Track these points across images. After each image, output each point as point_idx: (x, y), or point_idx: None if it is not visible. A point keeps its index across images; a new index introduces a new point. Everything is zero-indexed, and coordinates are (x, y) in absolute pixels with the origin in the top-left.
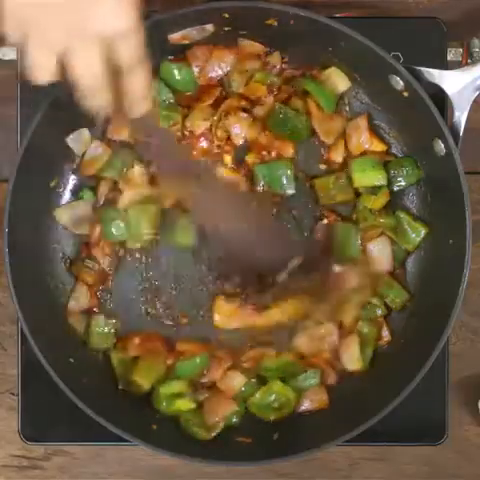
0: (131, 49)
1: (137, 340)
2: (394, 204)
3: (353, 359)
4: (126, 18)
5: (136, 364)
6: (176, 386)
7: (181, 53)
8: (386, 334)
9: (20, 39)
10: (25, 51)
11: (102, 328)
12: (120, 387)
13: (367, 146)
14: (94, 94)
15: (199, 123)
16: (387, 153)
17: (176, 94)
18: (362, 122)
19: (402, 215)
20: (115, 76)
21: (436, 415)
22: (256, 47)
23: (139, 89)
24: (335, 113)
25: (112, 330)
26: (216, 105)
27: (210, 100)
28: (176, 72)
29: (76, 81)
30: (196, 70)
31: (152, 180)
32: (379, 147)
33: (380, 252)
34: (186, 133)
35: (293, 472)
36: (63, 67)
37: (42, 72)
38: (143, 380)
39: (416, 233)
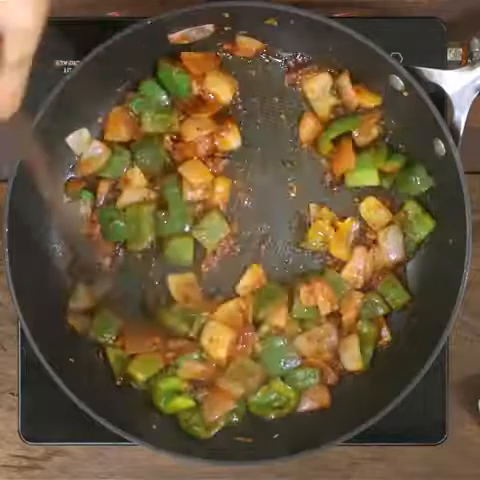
0: (24, 46)
1: (135, 338)
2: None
3: (353, 359)
4: (33, 13)
5: (132, 358)
6: (175, 382)
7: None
8: (386, 334)
9: None
10: None
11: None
12: (117, 383)
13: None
14: None
15: (192, 132)
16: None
17: (173, 97)
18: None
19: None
20: None
21: (436, 415)
22: (254, 44)
23: (12, 89)
24: None
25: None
26: (215, 118)
27: (208, 113)
28: (173, 74)
29: None
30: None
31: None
32: (371, 101)
33: (393, 240)
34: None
35: (293, 472)
36: None
37: None
38: (138, 373)
39: (425, 226)
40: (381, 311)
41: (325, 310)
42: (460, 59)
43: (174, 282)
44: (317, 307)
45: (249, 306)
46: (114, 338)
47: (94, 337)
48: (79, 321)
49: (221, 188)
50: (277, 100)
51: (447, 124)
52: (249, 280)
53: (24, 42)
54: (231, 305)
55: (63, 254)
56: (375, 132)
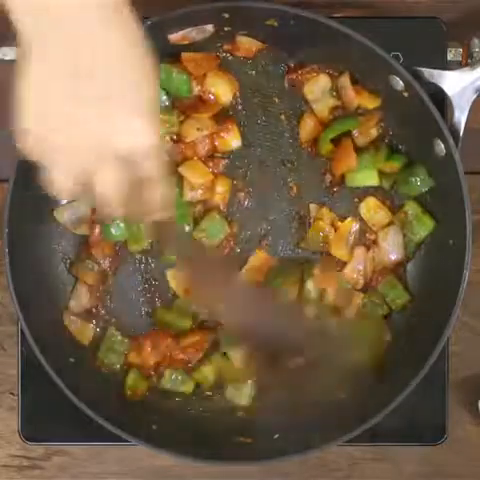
0: (154, 164)
1: (148, 346)
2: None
3: None
4: (151, 135)
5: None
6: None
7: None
8: (386, 334)
9: (39, 158)
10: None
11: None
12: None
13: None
14: (115, 207)
15: (192, 132)
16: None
17: (172, 97)
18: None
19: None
20: (135, 185)
21: (436, 415)
22: (254, 44)
23: (161, 199)
24: None
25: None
26: (215, 119)
27: (209, 113)
28: (173, 75)
29: (98, 196)
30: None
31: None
32: (371, 102)
33: (393, 240)
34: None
35: (293, 472)
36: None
37: (62, 192)
38: (183, 387)
39: (425, 226)
40: (381, 312)
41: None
42: (460, 59)
43: (173, 276)
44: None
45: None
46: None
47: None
48: (77, 326)
49: (221, 188)
50: (277, 100)
51: (447, 124)
52: (255, 262)
53: (155, 159)
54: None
55: (63, 254)
56: (375, 132)
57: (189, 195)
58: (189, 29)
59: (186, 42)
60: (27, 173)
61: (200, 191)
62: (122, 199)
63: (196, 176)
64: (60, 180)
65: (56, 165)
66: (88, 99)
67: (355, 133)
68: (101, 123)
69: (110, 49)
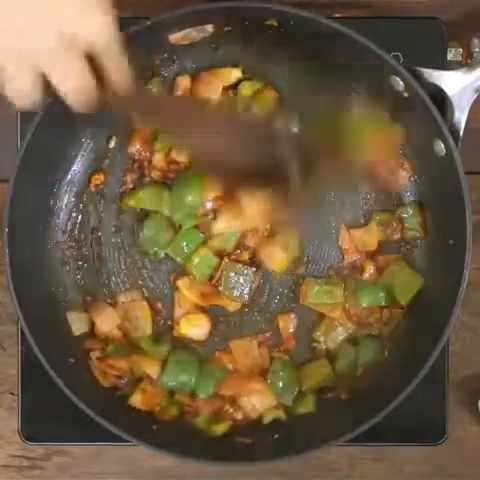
0: (110, 47)
1: None
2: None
3: None
4: (103, 16)
5: None
6: None
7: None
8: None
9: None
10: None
11: None
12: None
13: None
14: (79, 95)
15: None
16: None
17: None
18: None
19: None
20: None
21: (436, 415)
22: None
23: (121, 74)
24: None
25: None
26: None
27: None
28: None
29: (59, 88)
30: None
31: None
32: None
33: None
34: None
35: (293, 472)
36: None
37: (28, 98)
38: None
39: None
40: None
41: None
42: (460, 59)
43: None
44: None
45: None
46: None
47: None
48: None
49: None
50: None
51: (447, 124)
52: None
53: (108, 40)
54: None
55: (63, 254)
56: None
57: None
58: (189, 29)
59: (186, 42)
60: (27, 173)
61: None
62: (88, 84)
63: None
64: (19, 81)
65: (12, 69)
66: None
67: None
68: (50, 20)
69: None
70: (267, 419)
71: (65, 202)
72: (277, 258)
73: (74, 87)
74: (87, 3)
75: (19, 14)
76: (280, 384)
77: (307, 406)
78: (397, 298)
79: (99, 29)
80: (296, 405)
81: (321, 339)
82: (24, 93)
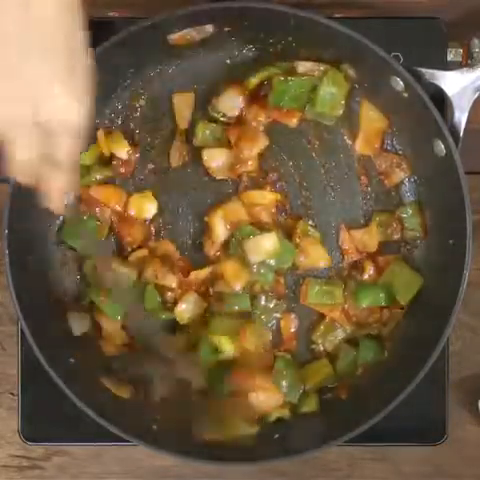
0: (70, 145)
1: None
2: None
3: None
4: (71, 105)
5: None
6: None
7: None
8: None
9: None
10: None
11: None
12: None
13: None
14: (21, 171)
15: None
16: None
17: None
18: None
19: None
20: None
21: (436, 415)
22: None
23: (60, 187)
24: None
25: None
26: None
27: None
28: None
29: (10, 158)
30: None
31: None
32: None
33: None
34: None
35: (293, 472)
36: None
37: None
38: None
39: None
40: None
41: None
42: (460, 59)
43: None
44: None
45: None
46: None
47: None
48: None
49: None
50: None
51: (447, 125)
52: None
53: (72, 140)
54: None
55: (63, 254)
56: None
57: None
58: (189, 29)
59: (186, 42)
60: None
61: None
62: (30, 166)
63: None
64: None
65: None
66: (8, 66)
67: None
68: (23, 88)
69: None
70: (272, 417)
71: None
72: None
73: (25, 162)
74: (66, 87)
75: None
76: (284, 383)
77: (310, 405)
78: (397, 298)
79: (70, 114)
80: (300, 404)
81: (319, 341)
82: None
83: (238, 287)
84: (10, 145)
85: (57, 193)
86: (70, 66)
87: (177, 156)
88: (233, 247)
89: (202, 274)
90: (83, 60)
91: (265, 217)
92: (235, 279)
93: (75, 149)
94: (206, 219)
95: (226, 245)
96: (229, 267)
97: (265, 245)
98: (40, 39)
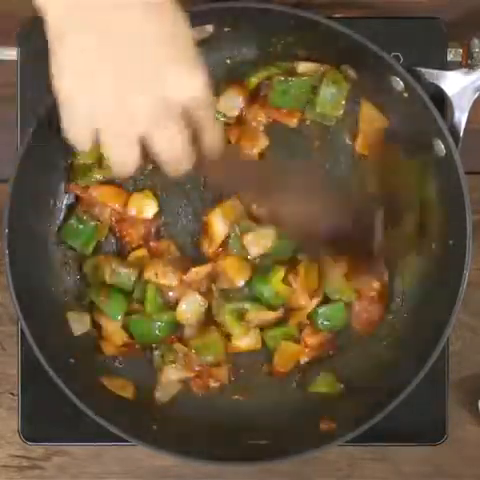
0: (205, 111)
1: None
2: None
3: None
4: (199, 79)
5: None
6: None
7: None
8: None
9: (91, 140)
10: (103, 149)
11: None
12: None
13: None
14: (177, 162)
15: None
16: None
17: None
18: None
19: None
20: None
21: (436, 415)
22: None
23: (213, 144)
24: None
25: None
26: None
27: None
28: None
29: (158, 156)
30: None
31: None
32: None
33: None
34: None
35: (293, 472)
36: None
37: (128, 166)
38: None
39: None
40: None
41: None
42: (460, 59)
43: None
44: None
45: None
46: None
47: None
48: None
49: None
50: None
51: (447, 125)
52: None
53: (205, 105)
54: None
55: (63, 254)
56: None
57: None
58: None
59: None
60: (27, 173)
61: None
62: (186, 152)
63: None
64: (120, 152)
65: (110, 136)
66: (132, 73)
67: None
68: (149, 84)
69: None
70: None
71: (65, 202)
72: None
73: (175, 154)
74: (183, 66)
75: (107, 74)
76: None
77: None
78: None
79: (196, 92)
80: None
81: None
82: (121, 160)
83: (241, 283)
84: (156, 143)
85: (214, 145)
86: (181, 45)
87: None
88: (232, 243)
89: (203, 271)
90: (189, 38)
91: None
92: (238, 275)
93: (211, 115)
94: (205, 218)
95: (225, 243)
96: (230, 263)
97: (264, 238)
98: (150, 28)
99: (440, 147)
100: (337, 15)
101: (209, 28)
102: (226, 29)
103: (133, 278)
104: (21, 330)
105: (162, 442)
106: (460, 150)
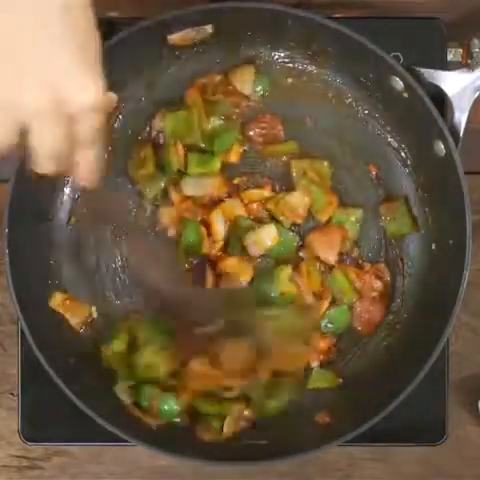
0: (93, 123)
1: None
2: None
3: None
4: (94, 91)
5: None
6: None
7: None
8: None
9: None
10: None
11: None
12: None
13: None
14: (47, 162)
15: None
16: None
17: None
18: None
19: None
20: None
21: (436, 415)
22: None
23: (91, 164)
24: None
25: None
26: None
27: None
28: None
29: (32, 150)
30: None
31: None
32: None
33: None
34: None
35: (293, 472)
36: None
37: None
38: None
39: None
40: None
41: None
42: (460, 59)
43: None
44: None
45: None
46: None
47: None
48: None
49: None
50: None
51: (447, 125)
52: None
53: (94, 118)
54: None
55: (64, 254)
56: None
57: None
58: (189, 29)
59: (186, 42)
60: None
61: None
62: (56, 155)
63: None
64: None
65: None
66: (21, 53)
67: None
68: (38, 72)
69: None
70: None
71: (65, 202)
72: None
73: (51, 152)
74: (83, 66)
75: (28, 72)
76: None
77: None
78: None
79: (88, 97)
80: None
81: None
82: None
83: (245, 282)
84: (35, 137)
85: (88, 168)
86: (82, 46)
87: None
88: (233, 244)
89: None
90: (94, 38)
91: (263, 212)
92: (241, 275)
93: (98, 124)
94: (205, 217)
95: (226, 243)
96: (232, 264)
97: (265, 237)
98: (50, 23)
99: (440, 147)
100: (337, 15)
101: (209, 28)
102: (226, 29)
103: None
104: (21, 330)
105: (162, 442)
106: (460, 150)
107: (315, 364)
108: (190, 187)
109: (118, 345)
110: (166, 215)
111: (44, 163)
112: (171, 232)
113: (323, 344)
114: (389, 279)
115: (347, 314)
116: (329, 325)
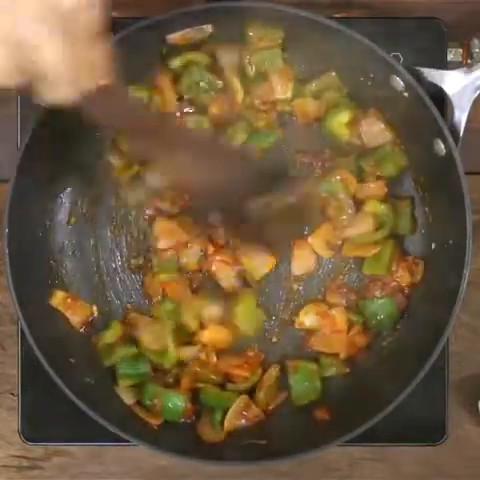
0: (90, 20)
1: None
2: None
3: None
4: None
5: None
6: None
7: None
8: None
9: None
10: None
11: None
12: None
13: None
14: (62, 81)
15: None
16: None
17: None
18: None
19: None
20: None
21: (436, 415)
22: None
23: (98, 58)
24: None
25: None
26: None
27: None
28: None
29: (42, 73)
30: None
31: None
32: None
33: None
34: None
35: (293, 472)
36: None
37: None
38: None
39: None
40: None
41: None
42: (460, 59)
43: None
44: None
45: None
46: None
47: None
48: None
49: None
50: None
51: (447, 124)
52: None
53: (90, 14)
54: None
55: (64, 254)
56: None
57: None
58: (188, 29)
59: (185, 42)
60: (27, 173)
61: None
62: (69, 67)
63: None
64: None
65: None
66: None
67: None
68: None
69: None
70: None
71: (65, 202)
72: None
73: (56, 70)
74: None
75: None
76: None
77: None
78: None
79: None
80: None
81: None
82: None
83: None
84: (41, 48)
85: (101, 63)
86: None
87: None
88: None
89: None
90: None
91: None
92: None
93: (97, 20)
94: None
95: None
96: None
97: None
98: None
99: (440, 147)
100: (337, 15)
101: (209, 28)
102: (226, 29)
103: None
104: (21, 330)
105: (162, 442)
106: (460, 150)
107: (342, 355)
108: None
109: (109, 337)
110: None
111: (57, 87)
112: None
113: (362, 340)
114: None
115: (393, 306)
116: (378, 317)
